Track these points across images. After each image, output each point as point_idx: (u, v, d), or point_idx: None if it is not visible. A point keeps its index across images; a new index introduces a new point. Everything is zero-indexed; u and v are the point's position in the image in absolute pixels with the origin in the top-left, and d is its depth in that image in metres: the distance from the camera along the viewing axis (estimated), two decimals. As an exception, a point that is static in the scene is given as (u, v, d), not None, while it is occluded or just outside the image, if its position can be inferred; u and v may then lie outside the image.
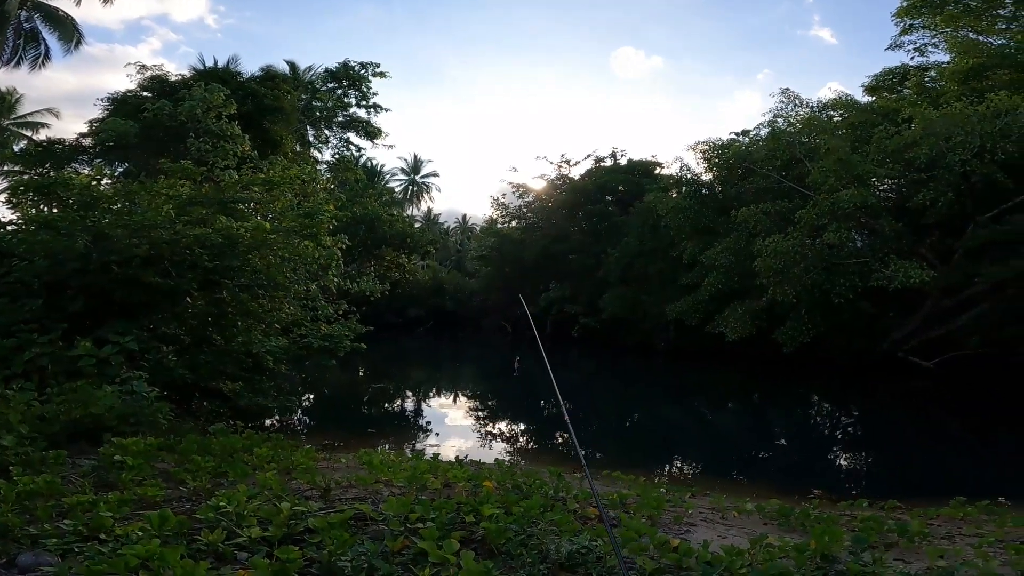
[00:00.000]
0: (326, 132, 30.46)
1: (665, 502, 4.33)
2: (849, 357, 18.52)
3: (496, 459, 6.62)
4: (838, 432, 14.56)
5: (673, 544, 3.24)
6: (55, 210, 8.03)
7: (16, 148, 26.87)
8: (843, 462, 11.38)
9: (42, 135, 31.49)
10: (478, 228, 45.42)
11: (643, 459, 10.47)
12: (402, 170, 59.82)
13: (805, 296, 17.32)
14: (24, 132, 33.88)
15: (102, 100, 23.88)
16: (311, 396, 16.03)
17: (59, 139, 23.63)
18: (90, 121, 23.32)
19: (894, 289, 15.88)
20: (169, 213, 7.70)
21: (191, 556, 2.84)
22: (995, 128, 15.41)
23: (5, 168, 24.61)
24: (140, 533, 3.03)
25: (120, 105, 22.92)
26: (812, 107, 22.19)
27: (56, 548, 2.96)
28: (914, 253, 17.11)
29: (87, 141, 22.61)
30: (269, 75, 25.43)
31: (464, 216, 59.57)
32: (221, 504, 3.48)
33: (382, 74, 29.21)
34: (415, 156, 60.52)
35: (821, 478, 9.35)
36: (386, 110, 30.73)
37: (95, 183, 7.93)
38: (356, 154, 31.32)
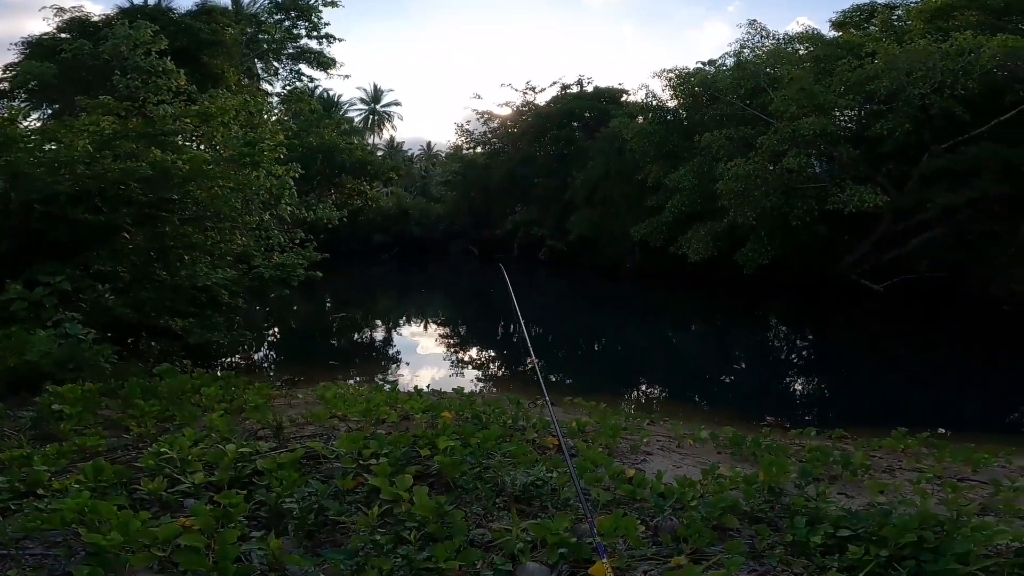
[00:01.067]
0: (275, 64, 28.80)
1: (622, 430, 4.40)
2: (806, 280, 19.14)
3: (457, 387, 6.61)
4: (793, 356, 15.22)
5: (628, 475, 3.28)
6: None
7: None
8: (796, 388, 11.89)
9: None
10: (443, 155, 44.09)
11: (607, 383, 10.71)
12: (361, 100, 57.69)
13: (765, 219, 17.70)
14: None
15: (16, 45, 22.36)
16: (276, 330, 15.77)
17: None
18: (5, 66, 21.96)
19: (849, 213, 16.28)
20: (86, 147, 7.06)
21: (131, 507, 2.72)
22: (957, 66, 15.49)
23: None
24: (77, 486, 2.89)
25: (36, 48, 21.58)
26: (779, 39, 22.10)
27: (-11, 506, 2.81)
28: (870, 179, 17.43)
29: (3, 86, 21.48)
30: (205, 9, 23.79)
31: (429, 143, 57.81)
32: (163, 450, 3.35)
33: (333, 3, 27.24)
34: (375, 86, 58.27)
35: (775, 404, 9.75)
36: (339, 40, 29.21)
37: (9, 124, 7.19)
38: (310, 86, 29.76)
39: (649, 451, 4.13)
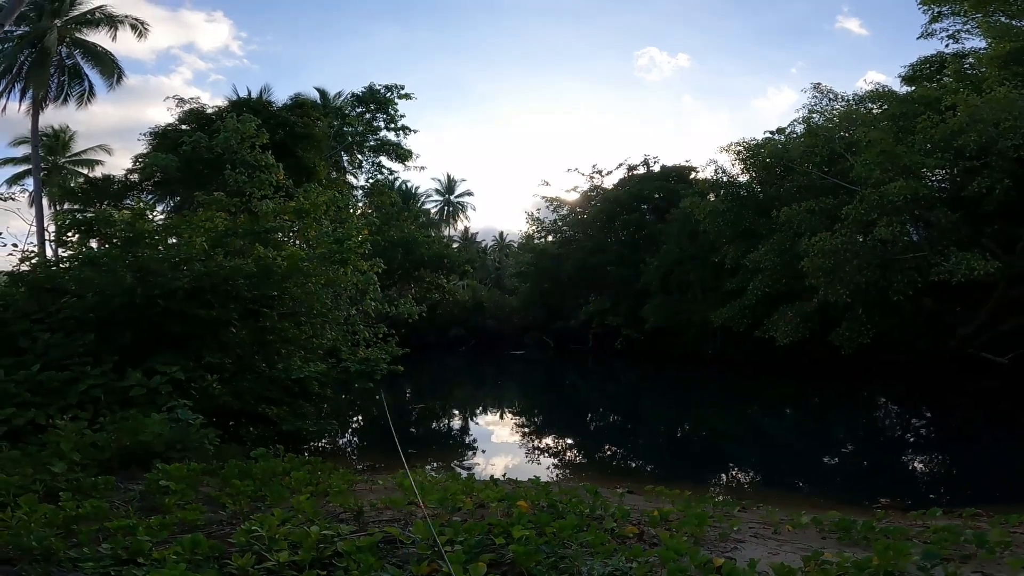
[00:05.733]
0: (359, 157, 30.93)
1: (709, 518, 4.10)
2: (914, 356, 17.54)
3: (533, 477, 6.46)
4: (908, 435, 13.72)
5: (716, 564, 3.04)
6: (104, 246, 8.42)
7: (74, 186, 28.44)
8: (915, 467, 10.65)
9: (97, 172, 33.30)
10: (515, 244, 45.55)
11: (693, 471, 10.10)
12: (436, 191, 60.47)
13: (860, 295, 16.59)
14: (80, 170, 35.68)
15: (145, 135, 24.84)
16: (360, 418, 16.25)
17: (109, 175, 24.82)
18: (135, 156, 24.24)
19: (957, 283, 15.00)
20: (202, 245, 7.95)
21: (221, 581, 2.84)
22: (1045, 111, 14.61)
23: (66, 206, 26.02)
24: (174, 557, 3.06)
25: (162, 139, 23.56)
26: (848, 100, 21.65)
27: (93, 571, 3.01)
28: (975, 243, 16.17)
29: (135, 177, 23.46)
30: (299, 103, 25.72)
31: (501, 233, 59.69)
32: (254, 528, 3.49)
33: (407, 96, 29.39)
34: (448, 176, 60.97)
35: (890, 486, 8.77)
36: (414, 131, 30.47)
37: (139, 218, 8.25)
38: (390, 178, 31.71)
39: (741, 538, 3.80)
